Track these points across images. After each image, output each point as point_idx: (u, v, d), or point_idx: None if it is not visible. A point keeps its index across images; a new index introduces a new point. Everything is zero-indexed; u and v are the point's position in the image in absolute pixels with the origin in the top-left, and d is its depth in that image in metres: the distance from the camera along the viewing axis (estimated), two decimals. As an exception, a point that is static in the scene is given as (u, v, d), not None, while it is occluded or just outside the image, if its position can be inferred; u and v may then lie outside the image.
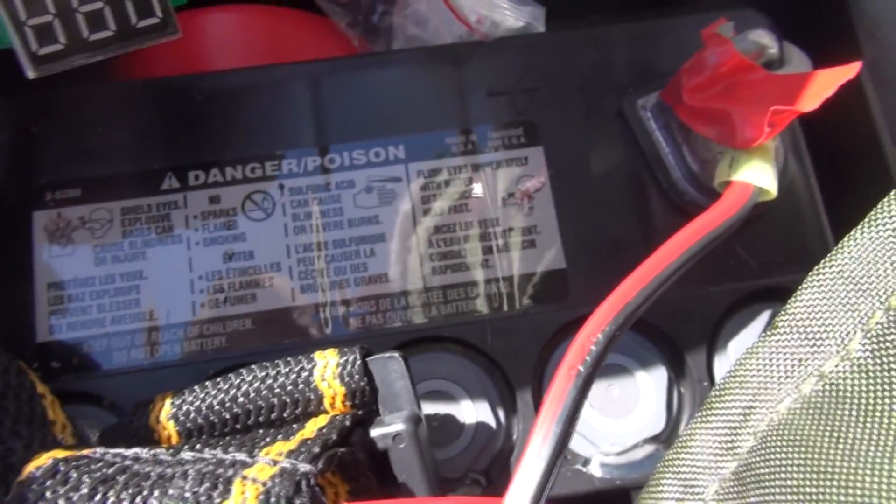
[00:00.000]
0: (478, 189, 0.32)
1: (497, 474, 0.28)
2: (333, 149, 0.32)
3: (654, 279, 0.22)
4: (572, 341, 0.21)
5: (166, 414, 0.24)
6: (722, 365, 0.29)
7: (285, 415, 0.23)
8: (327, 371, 0.23)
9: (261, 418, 0.23)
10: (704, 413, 0.19)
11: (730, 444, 0.18)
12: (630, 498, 0.28)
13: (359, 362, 0.23)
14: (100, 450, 0.21)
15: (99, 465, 0.20)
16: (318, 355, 0.24)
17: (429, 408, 0.28)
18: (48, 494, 0.18)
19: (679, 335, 0.29)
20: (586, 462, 0.27)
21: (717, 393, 0.19)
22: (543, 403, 0.20)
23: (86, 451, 0.20)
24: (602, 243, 0.31)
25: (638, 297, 0.22)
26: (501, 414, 0.28)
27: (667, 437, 0.28)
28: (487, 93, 0.33)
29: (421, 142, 0.32)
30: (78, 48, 0.26)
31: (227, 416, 0.23)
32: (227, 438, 0.23)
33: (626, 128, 0.32)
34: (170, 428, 0.24)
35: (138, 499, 0.19)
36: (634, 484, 0.28)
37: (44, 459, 0.19)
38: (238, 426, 0.23)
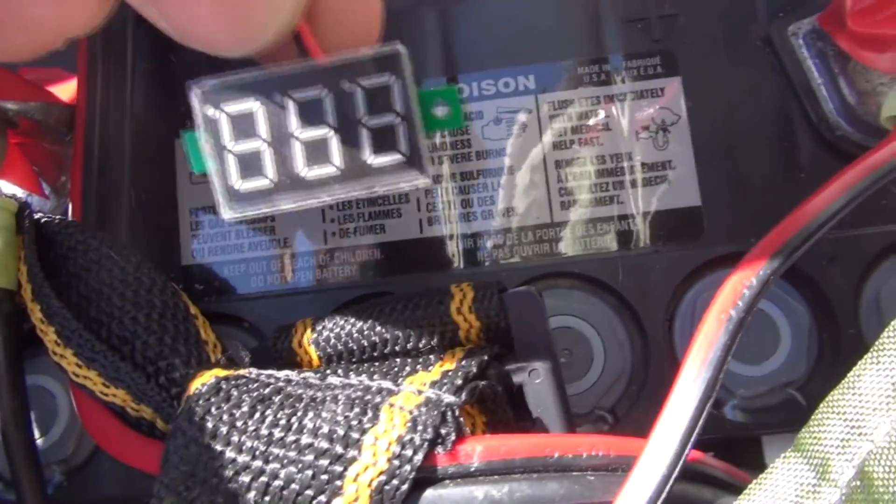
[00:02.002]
0: (610, 121, 0.31)
1: (623, 412, 0.28)
2: (462, 78, 0.31)
3: (815, 218, 0.20)
4: (723, 283, 0.20)
5: (308, 339, 0.24)
6: (870, 312, 0.27)
7: (421, 345, 0.24)
8: (463, 304, 0.24)
9: (397, 347, 0.24)
10: (876, 353, 0.18)
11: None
12: (761, 444, 0.28)
13: (496, 297, 0.23)
14: (254, 370, 0.22)
15: (256, 385, 0.21)
16: (454, 288, 0.24)
17: (559, 344, 0.28)
18: (213, 410, 0.20)
19: (824, 279, 0.27)
20: (719, 405, 0.27)
21: (891, 333, 0.18)
22: (692, 346, 0.20)
23: (243, 372, 0.21)
24: (741, 181, 0.30)
25: (796, 237, 0.20)
26: (630, 353, 0.28)
27: (805, 384, 0.27)
28: (623, 19, 0.31)
29: (552, 72, 0.31)
30: (289, 186, 0.20)
31: (366, 344, 0.24)
32: (366, 365, 0.24)
33: (773, 56, 0.30)
34: (311, 352, 0.24)
35: (294, 419, 0.19)
36: (768, 429, 0.27)
37: (207, 377, 0.20)
38: (375, 354, 0.24)
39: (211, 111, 0.20)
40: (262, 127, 0.20)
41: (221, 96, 0.20)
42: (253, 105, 0.20)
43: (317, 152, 0.20)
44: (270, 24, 0.18)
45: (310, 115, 0.20)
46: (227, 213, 0.21)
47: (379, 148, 0.20)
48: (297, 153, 0.20)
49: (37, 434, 0.27)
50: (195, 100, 0.20)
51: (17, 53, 0.20)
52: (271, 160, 0.20)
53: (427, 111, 0.21)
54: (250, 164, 0.20)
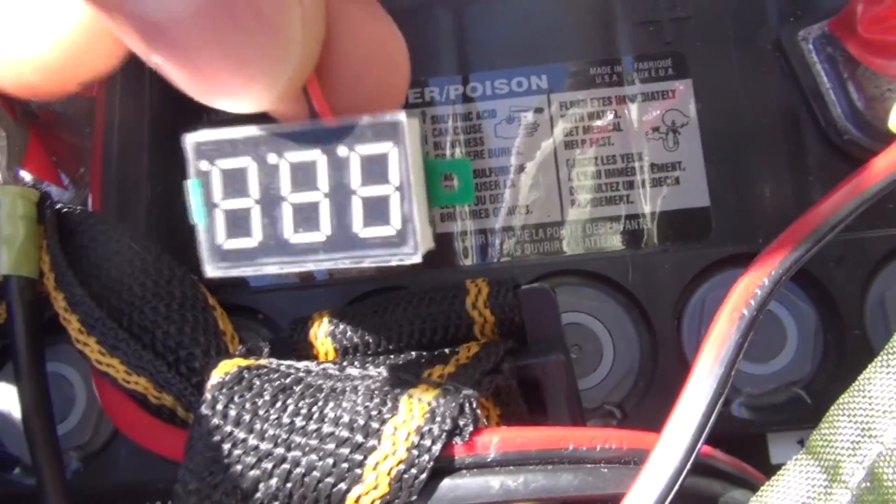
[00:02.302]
0: (621, 122, 0.31)
1: (631, 408, 0.28)
2: (475, 77, 0.32)
3: (827, 220, 0.21)
4: (735, 283, 0.21)
5: (324, 331, 0.25)
6: (875, 314, 0.28)
7: (436, 339, 0.24)
8: (479, 299, 0.24)
9: (412, 341, 0.24)
10: (886, 357, 0.18)
11: (916, 389, 0.18)
12: (766, 441, 0.28)
13: (511, 293, 0.24)
14: (274, 361, 0.22)
15: (277, 374, 0.21)
16: (469, 283, 0.25)
17: (568, 340, 0.28)
18: (237, 398, 0.20)
19: (831, 280, 0.28)
20: (727, 403, 0.27)
21: None
22: (704, 344, 0.20)
23: (263, 362, 0.22)
24: (749, 182, 0.30)
25: (808, 238, 0.21)
26: (638, 350, 0.29)
27: (810, 383, 0.28)
28: (635, 21, 0.32)
29: (564, 72, 0.32)
30: (274, 249, 0.19)
31: (381, 337, 0.24)
32: (382, 358, 0.24)
33: (782, 60, 0.31)
34: (327, 344, 0.25)
35: (315, 408, 0.20)
36: (773, 427, 0.28)
37: (230, 366, 0.21)
38: (391, 347, 0.25)
39: (204, 165, 0.20)
40: (253, 185, 0.19)
41: (215, 150, 0.20)
42: (246, 162, 0.19)
43: (306, 217, 0.19)
44: (282, 67, 0.17)
45: (302, 177, 0.19)
46: (209, 270, 0.20)
47: (370, 219, 0.19)
48: (286, 216, 0.19)
49: (53, 421, 0.28)
50: (189, 151, 0.20)
51: (33, 93, 0.20)
52: (259, 220, 0.19)
53: (435, 183, 0.20)
54: (238, 223, 0.19)
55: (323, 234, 0.19)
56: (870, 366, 0.18)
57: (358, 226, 0.19)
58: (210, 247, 0.20)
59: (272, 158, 0.19)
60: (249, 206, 0.19)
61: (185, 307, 0.24)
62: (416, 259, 0.19)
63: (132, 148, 0.30)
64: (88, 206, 0.29)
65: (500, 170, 0.31)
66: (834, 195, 0.21)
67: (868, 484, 0.17)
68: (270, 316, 0.30)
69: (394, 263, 0.19)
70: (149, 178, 0.30)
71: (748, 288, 0.20)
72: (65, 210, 0.26)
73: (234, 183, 0.19)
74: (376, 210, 0.19)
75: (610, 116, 0.31)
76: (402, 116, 0.19)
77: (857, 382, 0.18)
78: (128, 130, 0.30)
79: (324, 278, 0.31)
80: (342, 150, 0.19)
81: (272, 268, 0.19)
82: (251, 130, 0.19)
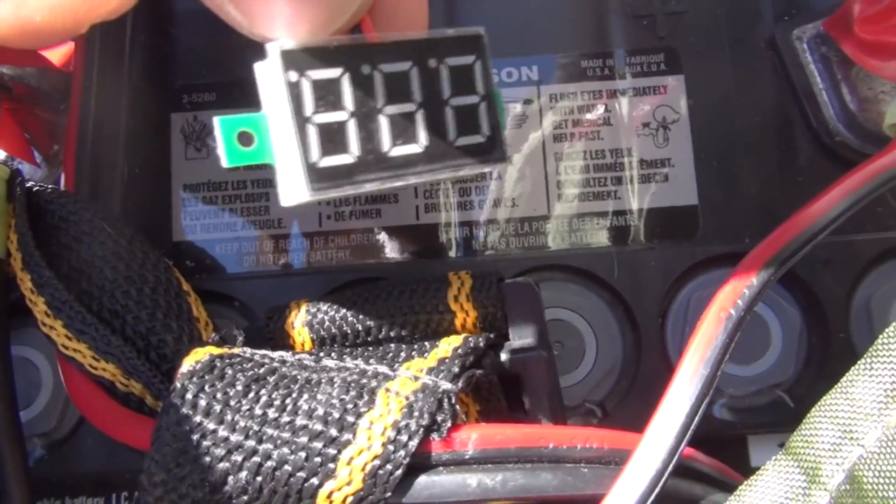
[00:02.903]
0: (611, 116, 0.30)
1: (613, 407, 0.28)
2: (465, 66, 0.31)
3: (818, 221, 0.21)
4: (724, 283, 0.20)
5: (302, 321, 0.24)
6: (860, 317, 0.27)
7: (416, 332, 0.24)
8: (461, 292, 0.23)
9: (392, 333, 0.24)
10: (869, 360, 0.18)
11: (898, 393, 0.17)
12: (746, 444, 0.28)
13: (494, 286, 0.23)
14: (248, 350, 0.21)
15: (250, 364, 0.20)
16: (452, 276, 0.24)
17: (551, 336, 0.28)
18: (207, 388, 0.19)
19: (817, 283, 0.27)
20: (708, 404, 0.27)
21: (885, 340, 0.18)
22: (690, 344, 0.20)
23: (237, 350, 0.21)
24: (738, 181, 0.30)
25: (798, 239, 0.20)
26: (621, 348, 0.28)
27: (793, 386, 0.27)
28: (629, 15, 0.31)
29: (555, 64, 0.31)
30: (373, 164, 0.18)
31: (360, 328, 0.24)
32: (360, 350, 0.23)
33: (776, 59, 0.30)
34: (304, 334, 0.24)
35: (288, 400, 0.19)
36: (754, 429, 0.27)
37: (201, 354, 0.20)
38: (369, 339, 0.24)
39: (293, 75, 0.18)
40: (348, 98, 0.18)
41: (306, 60, 0.18)
42: (338, 73, 0.18)
43: (402, 129, 0.19)
44: (349, 5, 0.18)
45: (397, 89, 0.19)
46: (307, 193, 0.18)
47: (462, 129, 0.19)
48: (384, 128, 0.19)
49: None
50: (276, 61, 0.18)
51: (40, 39, 0.19)
52: (356, 134, 0.18)
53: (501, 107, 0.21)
54: (333, 137, 0.18)
55: (420, 146, 0.19)
56: (853, 368, 0.18)
57: (452, 135, 0.19)
58: (306, 166, 0.18)
59: (365, 69, 0.19)
60: (345, 120, 0.18)
61: (157, 292, 0.23)
62: (507, 164, 0.21)
63: (108, 126, 0.29)
64: (61, 185, 0.28)
65: (486, 161, 0.30)
66: (825, 196, 0.21)
67: (847, 486, 0.17)
68: (247, 304, 0.29)
69: (487, 170, 0.21)
70: (125, 158, 0.29)
71: (736, 287, 0.20)
72: (36, 188, 0.25)
73: (327, 95, 0.18)
74: (467, 120, 0.20)
75: (600, 110, 0.31)
76: (481, 29, 0.20)
77: (839, 385, 0.18)
78: (105, 108, 0.29)
79: (302, 266, 0.30)
80: (432, 62, 0.19)
81: (373, 184, 0.19)
82: (342, 39, 0.19)
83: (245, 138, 0.18)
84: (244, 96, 0.31)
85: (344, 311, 0.24)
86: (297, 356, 0.21)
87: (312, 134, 0.18)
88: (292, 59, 0.18)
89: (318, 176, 0.18)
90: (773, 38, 0.30)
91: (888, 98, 0.27)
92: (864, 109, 0.28)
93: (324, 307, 0.24)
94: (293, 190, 0.18)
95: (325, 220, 0.30)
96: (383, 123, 0.19)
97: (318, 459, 0.18)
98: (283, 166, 0.18)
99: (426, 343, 0.23)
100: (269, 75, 0.18)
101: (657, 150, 0.30)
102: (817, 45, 0.29)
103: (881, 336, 0.18)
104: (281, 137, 0.18)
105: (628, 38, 0.31)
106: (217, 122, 0.18)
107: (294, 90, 0.18)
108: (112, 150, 0.29)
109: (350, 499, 0.18)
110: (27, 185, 0.25)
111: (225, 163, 0.19)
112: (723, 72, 0.31)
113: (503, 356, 0.23)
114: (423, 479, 0.19)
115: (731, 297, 0.20)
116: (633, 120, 0.30)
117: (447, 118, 0.19)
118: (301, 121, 0.18)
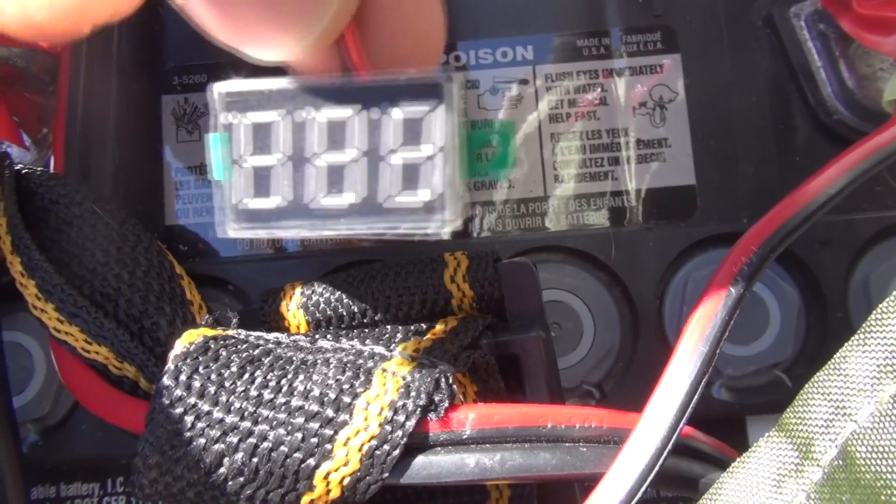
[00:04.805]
0: (608, 96, 0.30)
1: (610, 388, 0.28)
2: (460, 46, 0.31)
3: (816, 198, 0.20)
4: (723, 260, 0.20)
5: (297, 303, 0.24)
6: (858, 296, 0.27)
7: (412, 313, 0.23)
8: (457, 273, 0.23)
9: (388, 315, 0.24)
10: (862, 336, 0.18)
11: (890, 368, 0.17)
12: (745, 424, 0.28)
13: (491, 266, 0.23)
14: (243, 332, 0.21)
15: (245, 345, 0.20)
16: (448, 256, 0.24)
17: (548, 317, 0.27)
18: (201, 369, 0.19)
19: (816, 262, 0.27)
20: (707, 384, 0.27)
21: (878, 316, 0.18)
22: (689, 321, 0.19)
23: (231, 332, 0.21)
24: (735, 161, 0.29)
25: (797, 216, 0.20)
26: (619, 329, 0.28)
27: (791, 366, 0.27)
28: (625, -8, 0.31)
29: (551, 43, 0.31)
30: (299, 213, 0.18)
31: (356, 310, 0.23)
32: (356, 331, 0.23)
33: (773, 37, 0.30)
34: (299, 316, 0.24)
35: (284, 381, 0.19)
36: (753, 410, 0.27)
37: (195, 336, 0.20)
38: (365, 320, 0.24)
39: (230, 117, 0.18)
40: (282, 142, 0.18)
41: (244, 102, 0.18)
42: (276, 116, 0.18)
43: (337, 178, 0.18)
44: (320, 14, 0.17)
45: (335, 136, 0.18)
46: (229, 230, 0.19)
47: (402, 186, 0.18)
48: (314, 177, 0.18)
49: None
50: (216, 102, 0.18)
51: (42, 34, 0.19)
52: (285, 180, 0.18)
53: (473, 154, 0.20)
54: (262, 181, 0.18)
55: (350, 199, 0.18)
56: (846, 344, 0.18)
57: (389, 192, 0.18)
58: (230, 206, 0.18)
59: (304, 114, 0.18)
60: (275, 164, 0.18)
61: (150, 275, 0.23)
62: (447, 231, 0.18)
63: (98, 109, 0.28)
64: (50, 168, 0.27)
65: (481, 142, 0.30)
66: (823, 174, 0.21)
67: (840, 462, 0.17)
68: (241, 287, 0.29)
69: (427, 233, 0.18)
70: (115, 140, 0.29)
71: (736, 264, 0.20)
72: (25, 171, 0.24)
73: (262, 138, 0.18)
74: (412, 176, 0.18)
75: (596, 90, 0.30)
76: (446, 77, 0.18)
77: (832, 361, 0.18)
78: (94, 90, 0.28)
79: (296, 249, 0.30)
80: (379, 110, 0.18)
81: (292, 231, 0.18)
82: (283, 83, 0.18)
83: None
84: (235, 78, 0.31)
85: (339, 292, 0.24)
86: (292, 338, 0.21)
87: (243, 175, 0.18)
88: (232, 101, 0.18)
89: (241, 216, 0.18)
90: (770, 15, 0.30)
91: (886, 75, 0.27)
92: (863, 87, 0.28)
93: (319, 289, 0.24)
94: (220, 224, 0.19)
95: (319, 203, 0.30)
96: (315, 171, 0.18)
97: (314, 440, 0.18)
98: (216, 199, 0.19)
99: (423, 325, 0.23)
100: (213, 109, 0.18)
101: (654, 130, 0.30)
102: (815, 22, 0.29)
103: (874, 312, 0.18)
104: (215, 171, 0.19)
105: (624, 16, 0.31)
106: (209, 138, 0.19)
107: (228, 131, 0.18)
108: (102, 132, 0.28)
109: (347, 479, 0.18)
110: (16, 167, 0.24)
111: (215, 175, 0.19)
112: (720, 50, 0.30)
113: (501, 337, 0.23)
114: (420, 460, 0.18)
115: (730, 274, 0.20)
116: (629, 100, 0.30)
117: (386, 173, 0.18)
118: (233, 161, 0.18)
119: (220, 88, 0.18)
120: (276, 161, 0.18)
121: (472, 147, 0.19)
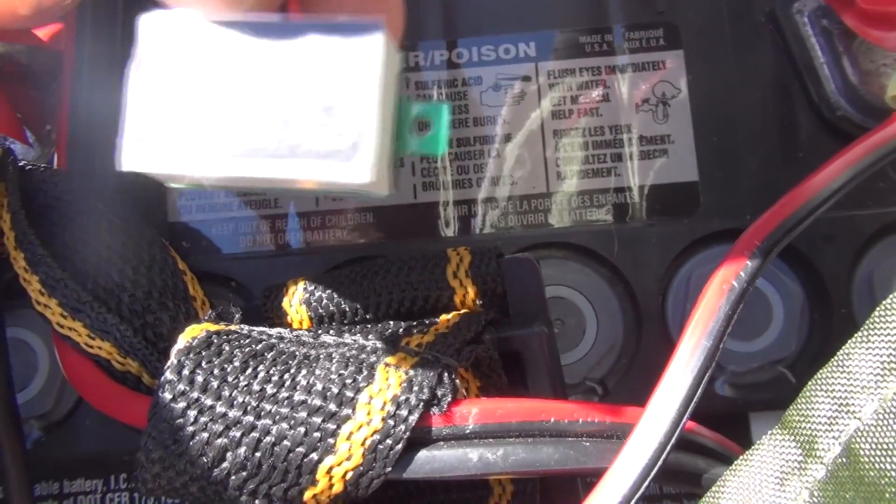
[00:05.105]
0: (610, 93, 0.30)
1: (613, 385, 0.28)
2: (462, 43, 0.31)
3: (819, 193, 0.20)
4: (727, 255, 0.20)
5: (299, 298, 0.24)
6: (862, 293, 0.27)
7: (415, 308, 0.23)
8: (460, 269, 0.23)
9: (390, 310, 0.24)
10: (866, 332, 0.18)
11: (895, 365, 0.17)
12: (748, 420, 0.28)
13: (493, 262, 0.23)
14: (245, 327, 0.21)
15: (248, 340, 0.20)
16: (451, 252, 0.24)
17: (551, 313, 0.27)
18: (204, 364, 0.19)
19: (819, 258, 0.27)
20: (710, 380, 0.27)
21: (882, 313, 0.18)
22: (693, 316, 0.19)
23: (234, 327, 0.21)
24: (739, 157, 0.29)
25: (800, 211, 0.20)
26: (622, 325, 0.28)
27: (795, 362, 0.27)
28: (627, -11, 0.31)
29: (553, 40, 0.31)
30: (210, 150, 0.17)
31: (358, 306, 0.24)
32: (359, 327, 0.23)
33: (776, 33, 0.30)
34: (302, 312, 0.24)
35: (286, 375, 0.19)
36: (756, 406, 0.27)
37: (198, 331, 0.20)
38: (368, 316, 0.24)
39: (157, 48, 0.17)
40: (202, 75, 0.17)
41: (168, 33, 0.17)
42: (198, 49, 0.17)
43: (254, 116, 0.17)
44: None
45: (257, 73, 0.17)
46: (125, 161, 0.17)
47: (323, 127, 0.17)
48: (231, 112, 0.17)
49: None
50: (138, 30, 0.17)
51: (17, 19, 0.19)
52: (200, 114, 0.17)
53: (405, 126, 0.18)
54: (173, 113, 0.17)
55: (268, 137, 0.17)
56: (850, 341, 0.18)
57: (308, 132, 0.17)
58: (135, 135, 0.17)
59: (229, 48, 0.17)
60: (192, 97, 0.17)
61: (153, 270, 0.23)
62: (365, 180, 0.16)
63: (102, 105, 0.28)
64: (54, 164, 0.27)
65: (484, 139, 0.30)
66: (826, 169, 0.21)
67: (844, 459, 0.17)
68: (243, 283, 0.29)
69: (339, 182, 0.17)
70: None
71: (739, 259, 0.20)
72: (28, 167, 0.24)
73: (180, 70, 0.17)
74: (332, 118, 0.17)
75: (599, 87, 0.30)
76: (380, 22, 0.16)
77: (836, 357, 0.18)
78: (97, 87, 0.28)
79: (299, 246, 0.30)
80: (308, 50, 0.17)
81: (198, 170, 0.17)
82: (215, 20, 0.17)
83: None
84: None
85: (342, 288, 0.24)
86: (295, 333, 0.21)
87: (153, 106, 0.17)
88: (155, 31, 0.17)
89: (144, 147, 0.17)
90: (773, 11, 0.30)
91: (890, 71, 0.27)
92: (866, 83, 0.28)
93: (321, 285, 0.24)
94: (122, 155, 0.18)
95: (321, 200, 0.30)
96: (232, 107, 0.17)
97: (317, 435, 0.18)
98: (122, 129, 0.18)
99: (426, 320, 0.23)
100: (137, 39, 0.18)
101: (657, 127, 0.30)
102: (818, 17, 0.29)
103: (878, 308, 0.18)
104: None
105: (627, 13, 0.31)
106: None
107: (151, 63, 0.17)
108: (106, 129, 0.28)
109: (350, 474, 0.18)
110: (20, 164, 0.24)
111: None
112: (723, 47, 0.30)
113: (503, 332, 0.23)
114: (423, 454, 0.18)
115: (733, 268, 0.20)
116: (632, 96, 0.30)
117: (306, 113, 0.17)
118: (146, 92, 0.17)
119: (145, 18, 0.17)
120: (191, 93, 0.17)
121: (404, 117, 0.18)
